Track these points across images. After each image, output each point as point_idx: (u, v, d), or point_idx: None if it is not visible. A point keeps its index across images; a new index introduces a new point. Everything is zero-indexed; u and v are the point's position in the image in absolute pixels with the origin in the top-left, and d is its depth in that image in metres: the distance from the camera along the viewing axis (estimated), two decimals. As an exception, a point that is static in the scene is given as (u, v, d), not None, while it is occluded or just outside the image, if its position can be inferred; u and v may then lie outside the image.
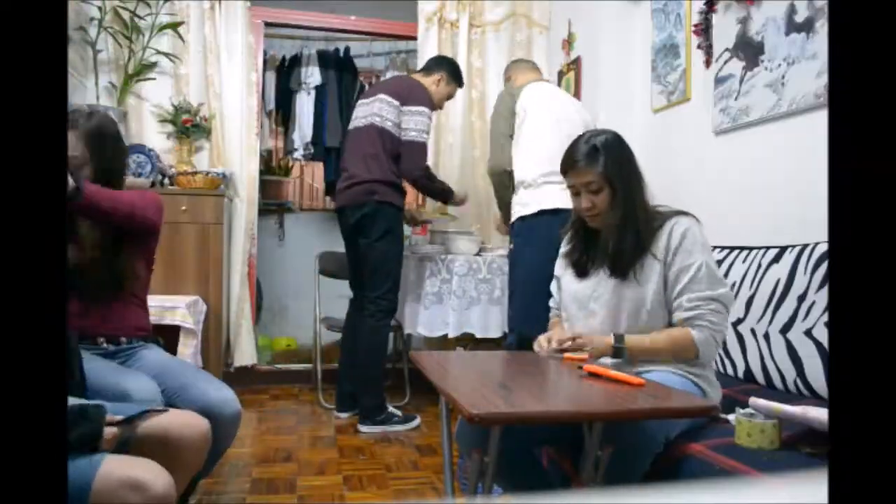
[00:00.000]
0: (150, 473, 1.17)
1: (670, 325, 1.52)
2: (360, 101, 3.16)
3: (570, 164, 1.58)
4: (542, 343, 1.56)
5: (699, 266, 1.48)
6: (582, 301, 1.63)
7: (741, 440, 1.32)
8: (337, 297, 4.25)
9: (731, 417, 1.40)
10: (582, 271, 1.65)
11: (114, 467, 1.15)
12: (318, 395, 3.36)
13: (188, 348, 2.81)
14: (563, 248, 1.74)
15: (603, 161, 1.53)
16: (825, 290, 1.71)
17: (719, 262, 2.08)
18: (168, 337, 2.86)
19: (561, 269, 1.74)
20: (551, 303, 1.81)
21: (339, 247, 4.25)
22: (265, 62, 4.43)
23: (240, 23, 3.66)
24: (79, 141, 1.77)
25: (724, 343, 1.97)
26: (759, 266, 1.96)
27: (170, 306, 2.82)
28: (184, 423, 1.40)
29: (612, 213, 1.54)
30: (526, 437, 1.51)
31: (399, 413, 3.00)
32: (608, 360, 1.49)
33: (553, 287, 1.79)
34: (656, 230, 1.54)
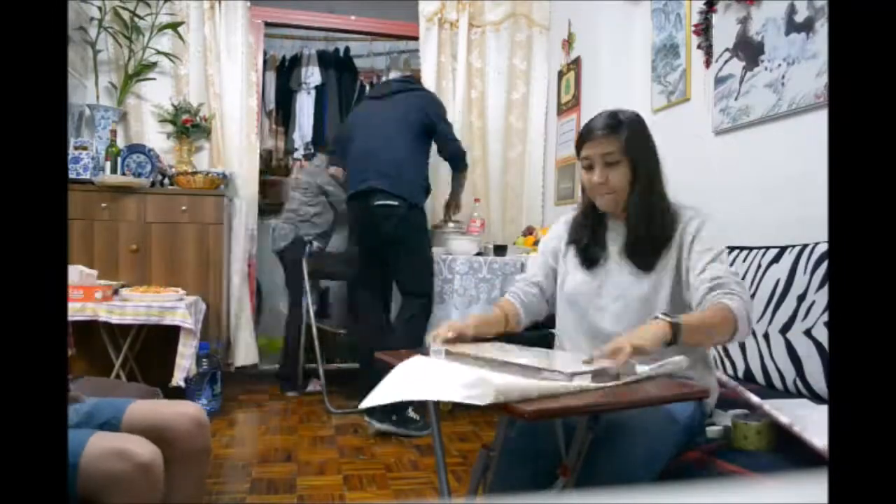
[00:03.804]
0: (134, 443, 1.21)
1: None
2: None
3: (587, 134, 1.46)
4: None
5: (720, 251, 1.41)
6: (588, 294, 1.52)
7: (738, 443, 1.32)
8: (331, 296, 4.26)
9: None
10: (589, 261, 1.53)
11: (101, 440, 1.20)
12: (323, 395, 3.35)
13: (188, 348, 2.80)
14: (568, 234, 1.59)
15: (626, 133, 1.43)
16: (825, 290, 1.71)
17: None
18: (168, 337, 2.86)
19: (561, 254, 1.60)
20: (519, 278, 1.67)
21: (329, 247, 4.26)
22: (265, 62, 4.43)
23: (240, 23, 3.66)
24: None
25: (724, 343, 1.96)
26: (759, 266, 1.96)
27: (170, 306, 2.81)
28: (175, 410, 1.41)
29: (631, 194, 1.45)
30: (531, 433, 1.50)
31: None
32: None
33: (534, 266, 1.65)
34: (676, 222, 1.45)
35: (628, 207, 1.47)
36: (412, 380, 1.18)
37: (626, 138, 1.43)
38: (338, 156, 3.43)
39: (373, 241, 3.13)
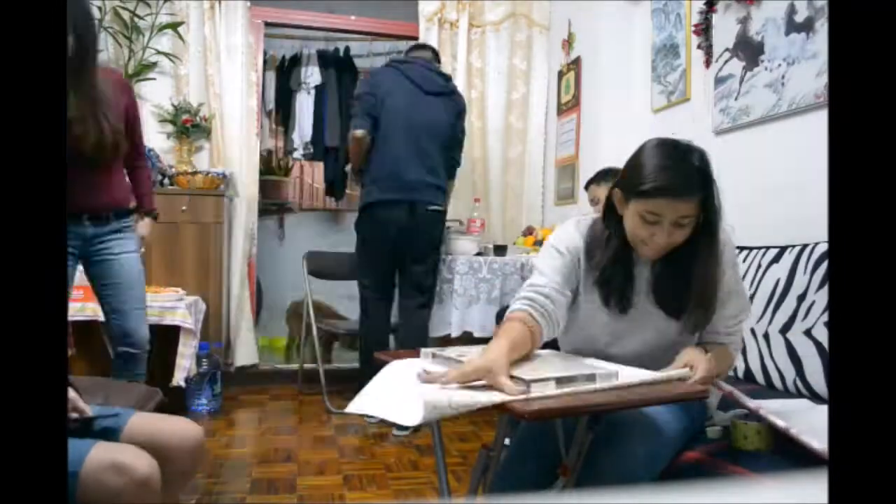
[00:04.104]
0: (134, 457, 1.21)
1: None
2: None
3: (664, 191, 1.22)
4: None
5: (742, 288, 1.43)
6: (610, 331, 1.41)
7: (738, 443, 1.32)
8: (328, 296, 4.25)
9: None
10: (620, 306, 1.37)
11: (102, 452, 1.20)
12: (323, 395, 3.35)
13: (188, 348, 2.81)
14: (586, 260, 1.39)
15: (710, 191, 1.25)
16: (825, 290, 1.71)
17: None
18: (168, 337, 2.86)
19: (580, 280, 1.40)
20: (539, 281, 1.35)
21: (331, 247, 4.26)
22: (265, 62, 4.43)
23: (240, 23, 3.66)
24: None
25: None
26: (759, 266, 1.96)
27: (170, 306, 2.81)
28: (175, 428, 1.41)
29: (688, 245, 1.29)
30: (532, 433, 1.50)
31: None
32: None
33: (554, 270, 1.37)
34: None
35: (673, 255, 1.32)
36: (386, 393, 1.17)
37: (706, 196, 1.25)
38: (361, 118, 2.99)
39: (404, 243, 3.01)
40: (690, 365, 1.27)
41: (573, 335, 1.46)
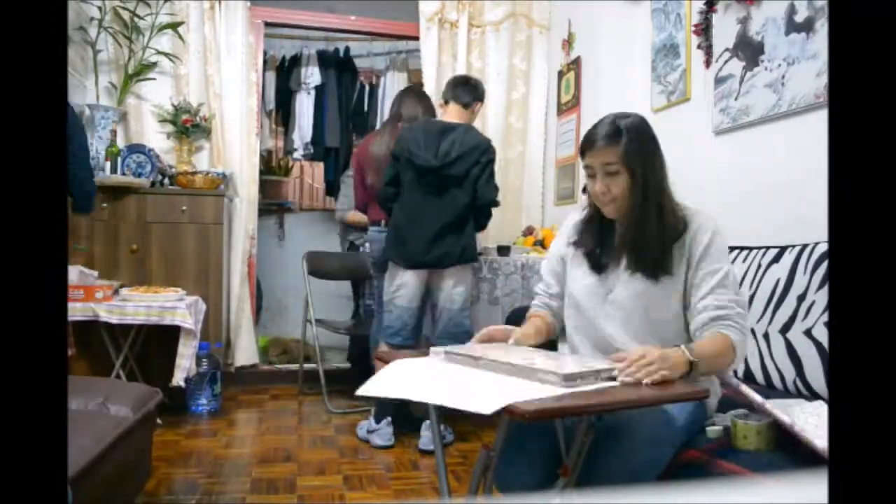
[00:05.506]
0: None
1: (686, 332, 1.45)
2: None
3: (588, 143, 1.46)
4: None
5: (727, 272, 1.43)
6: (596, 298, 1.51)
7: (738, 443, 1.32)
8: (327, 296, 4.25)
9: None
10: (597, 266, 1.52)
11: None
12: (323, 396, 3.34)
13: (188, 348, 2.80)
14: (574, 237, 1.58)
15: (625, 142, 1.42)
16: (825, 290, 1.71)
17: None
18: (168, 337, 2.86)
19: (568, 258, 1.59)
20: (540, 288, 1.67)
21: (330, 247, 4.26)
22: (265, 62, 4.43)
23: (240, 23, 3.66)
24: None
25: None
26: (759, 266, 1.96)
27: (170, 306, 2.81)
28: None
29: (631, 200, 1.44)
30: (532, 433, 1.50)
31: None
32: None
33: (547, 272, 1.65)
34: (682, 227, 1.45)
35: (627, 212, 1.47)
36: (414, 380, 1.19)
37: (626, 147, 1.42)
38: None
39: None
40: (622, 358, 1.25)
41: (568, 311, 1.60)
